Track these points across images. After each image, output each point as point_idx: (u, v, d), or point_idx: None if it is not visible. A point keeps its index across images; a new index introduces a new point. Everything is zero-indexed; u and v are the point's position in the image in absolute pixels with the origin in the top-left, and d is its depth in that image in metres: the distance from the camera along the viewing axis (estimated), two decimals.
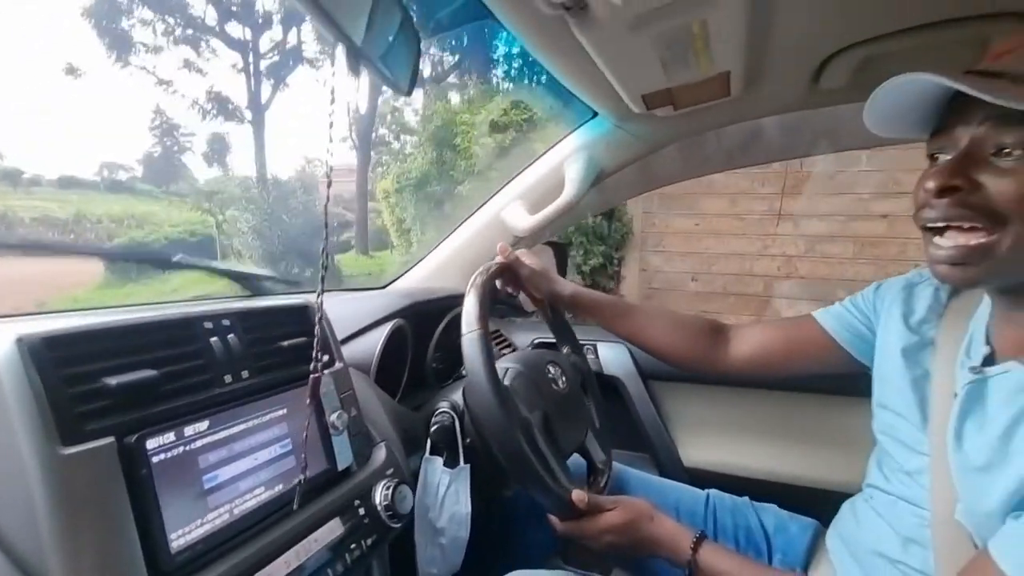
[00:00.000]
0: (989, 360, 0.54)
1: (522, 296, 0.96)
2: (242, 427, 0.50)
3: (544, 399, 0.77)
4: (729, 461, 1.11)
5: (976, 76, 0.45)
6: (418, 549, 0.78)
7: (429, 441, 0.79)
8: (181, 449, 0.44)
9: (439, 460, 0.80)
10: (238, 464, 0.49)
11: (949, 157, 0.49)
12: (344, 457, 0.60)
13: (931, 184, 0.48)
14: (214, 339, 0.51)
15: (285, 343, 0.58)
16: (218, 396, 0.49)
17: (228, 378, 0.50)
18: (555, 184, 1.06)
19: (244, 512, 0.48)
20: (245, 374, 0.52)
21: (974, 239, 0.47)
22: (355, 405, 0.64)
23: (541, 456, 0.68)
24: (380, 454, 0.65)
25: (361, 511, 0.58)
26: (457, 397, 0.84)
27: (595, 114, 1.01)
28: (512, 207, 1.11)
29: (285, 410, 0.55)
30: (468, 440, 0.82)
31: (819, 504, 0.78)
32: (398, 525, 0.61)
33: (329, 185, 0.46)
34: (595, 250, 4.09)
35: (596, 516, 0.67)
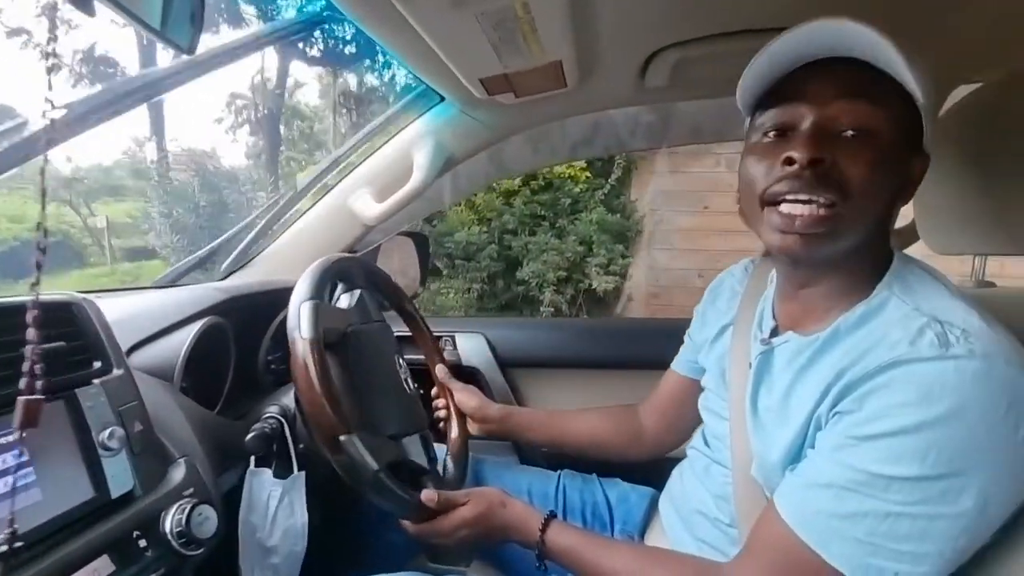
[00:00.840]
0: (775, 332, 0.61)
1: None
2: None
3: (385, 394, 0.73)
4: None
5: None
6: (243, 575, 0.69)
7: (259, 454, 0.71)
8: None
9: (267, 472, 0.72)
10: None
11: (795, 133, 0.49)
12: (120, 482, 0.50)
13: (798, 154, 0.46)
14: None
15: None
16: None
17: None
18: (403, 170, 1.01)
19: None
20: None
21: (826, 211, 0.47)
22: (142, 418, 0.54)
23: (383, 460, 0.63)
24: (177, 473, 0.56)
25: (143, 543, 0.49)
26: (289, 400, 0.76)
27: (442, 99, 0.98)
28: (359, 194, 1.05)
29: (26, 434, 0.44)
30: (302, 445, 0.74)
31: (659, 471, 0.83)
32: (197, 552, 0.52)
33: (48, 144, 0.35)
34: (616, 248, 4.07)
35: (449, 513, 0.65)
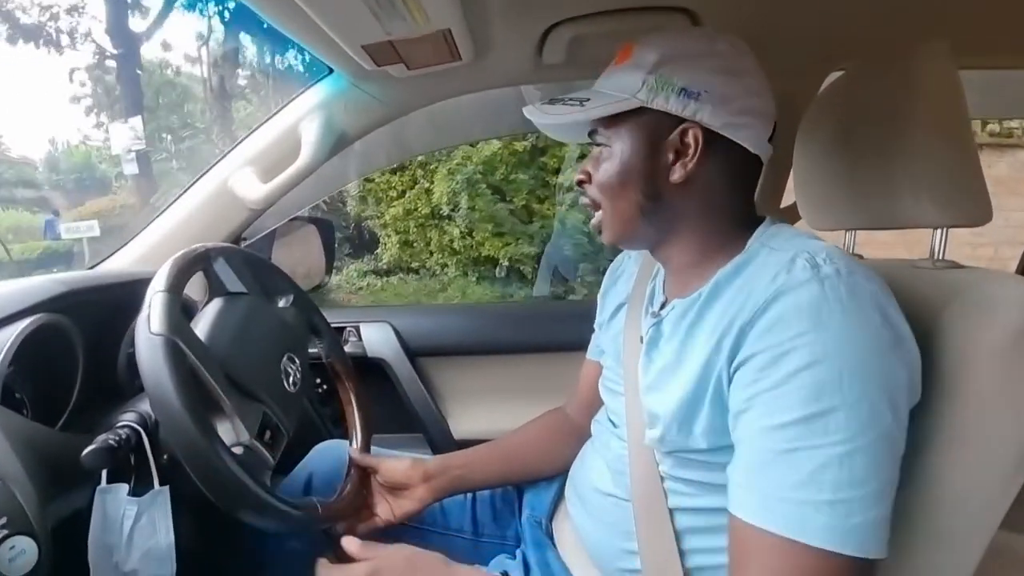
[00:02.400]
0: (664, 306, 0.63)
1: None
2: None
3: (263, 396, 0.66)
4: (495, 427, 1.13)
5: (547, 105, 0.60)
6: None
7: (104, 469, 0.62)
8: None
9: (122, 488, 0.63)
10: None
11: None
12: None
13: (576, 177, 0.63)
14: None
15: None
16: None
17: None
18: (291, 148, 0.93)
19: None
20: None
21: (595, 211, 0.62)
22: None
23: (251, 469, 0.57)
24: None
25: None
26: (148, 405, 0.68)
27: (332, 70, 0.90)
28: (241, 174, 0.95)
29: None
30: (166, 456, 0.66)
31: None
32: None
33: None
34: None
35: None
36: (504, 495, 0.88)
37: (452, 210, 4.60)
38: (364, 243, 5.03)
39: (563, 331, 0.93)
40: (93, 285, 0.74)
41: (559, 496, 0.85)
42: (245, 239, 1.08)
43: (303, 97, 0.94)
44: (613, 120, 0.57)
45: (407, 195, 4.68)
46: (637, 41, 0.58)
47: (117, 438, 0.60)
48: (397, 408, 1.14)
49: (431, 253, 4.75)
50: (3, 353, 0.57)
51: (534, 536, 0.78)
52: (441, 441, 1.13)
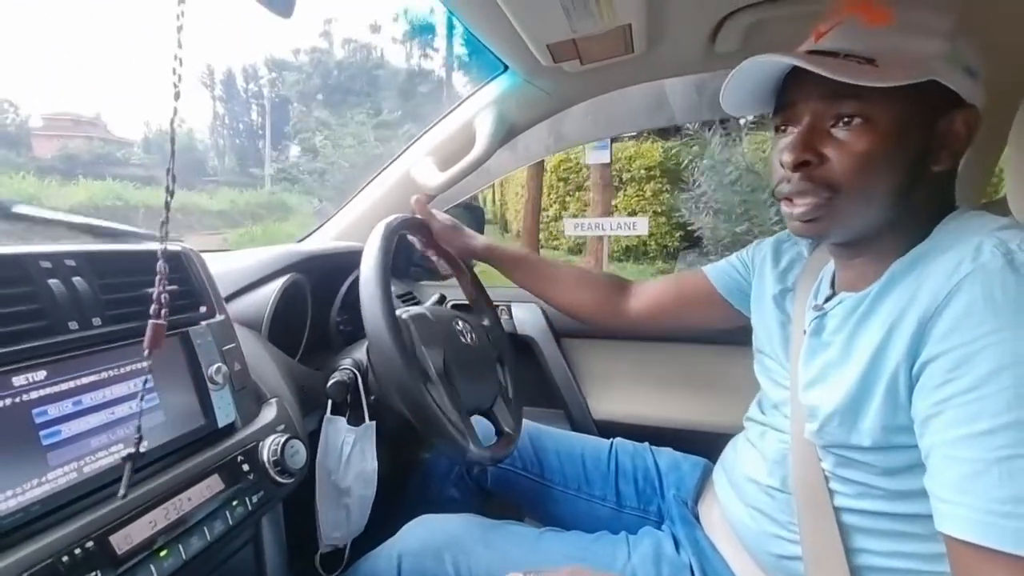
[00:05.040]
0: (829, 299, 0.61)
1: (436, 259, 0.95)
2: (93, 378, 0.45)
3: (448, 350, 0.76)
4: (632, 411, 1.17)
5: (814, 56, 0.49)
6: (320, 515, 0.75)
7: (330, 401, 0.76)
8: (9, 401, 0.39)
9: (342, 420, 0.77)
10: (88, 419, 0.44)
11: (796, 129, 0.52)
12: (225, 413, 0.55)
13: (787, 158, 0.51)
14: (54, 281, 0.44)
15: (151, 290, 0.52)
16: (60, 344, 0.43)
17: (73, 325, 0.44)
18: (466, 140, 1.03)
19: (97, 470, 0.43)
20: (97, 321, 0.46)
21: (821, 207, 0.52)
22: (239, 359, 0.60)
23: (445, 408, 0.67)
24: (270, 411, 0.61)
25: (245, 467, 0.54)
26: (361, 355, 0.81)
27: (506, 68, 0.99)
28: (422, 163, 1.07)
29: (152, 362, 0.50)
30: (373, 397, 0.79)
31: (710, 445, 0.84)
32: (289, 481, 0.58)
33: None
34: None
35: None
36: (645, 474, 0.91)
37: None
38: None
39: None
40: (320, 253, 0.90)
41: (703, 480, 0.86)
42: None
43: (479, 94, 1.03)
44: (883, 88, 0.46)
45: None
46: None
47: (347, 377, 0.74)
48: (541, 384, 1.21)
49: None
50: (272, 300, 0.73)
51: (681, 514, 0.79)
52: (580, 418, 1.19)
